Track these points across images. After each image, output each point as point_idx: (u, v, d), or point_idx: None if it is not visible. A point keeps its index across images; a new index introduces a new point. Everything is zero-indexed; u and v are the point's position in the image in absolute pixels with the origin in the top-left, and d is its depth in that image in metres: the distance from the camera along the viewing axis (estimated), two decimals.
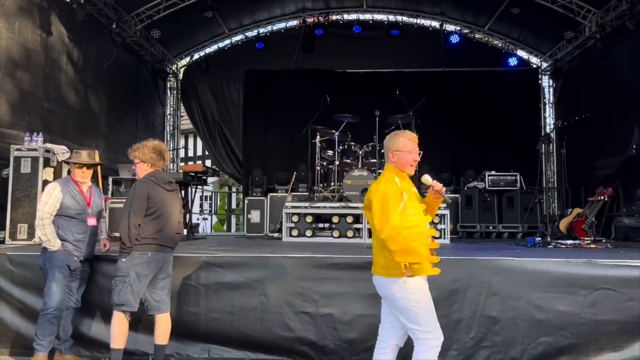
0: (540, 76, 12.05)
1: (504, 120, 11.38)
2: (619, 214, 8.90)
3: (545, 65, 11.90)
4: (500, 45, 12.09)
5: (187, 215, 8.26)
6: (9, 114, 6.63)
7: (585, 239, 8.33)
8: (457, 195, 10.43)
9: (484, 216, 9.68)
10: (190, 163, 16.24)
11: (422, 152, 3.56)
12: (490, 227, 9.70)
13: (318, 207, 7.97)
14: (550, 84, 11.89)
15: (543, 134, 11.53)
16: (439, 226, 7.61)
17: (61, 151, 6.32)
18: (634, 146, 8.37)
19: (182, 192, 8.27)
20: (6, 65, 6.56)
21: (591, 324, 4.05)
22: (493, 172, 9.80)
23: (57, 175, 6.28)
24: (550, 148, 10.75)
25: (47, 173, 6.09)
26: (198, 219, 18.43)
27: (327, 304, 4.27)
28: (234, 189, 17.58)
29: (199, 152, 21.39)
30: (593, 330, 4.03)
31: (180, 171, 8.02)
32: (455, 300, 4.20)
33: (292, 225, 7.85)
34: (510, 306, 4.15)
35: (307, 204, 8.05)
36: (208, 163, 22.08)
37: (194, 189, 8.73)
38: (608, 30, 8.89)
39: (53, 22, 7.65)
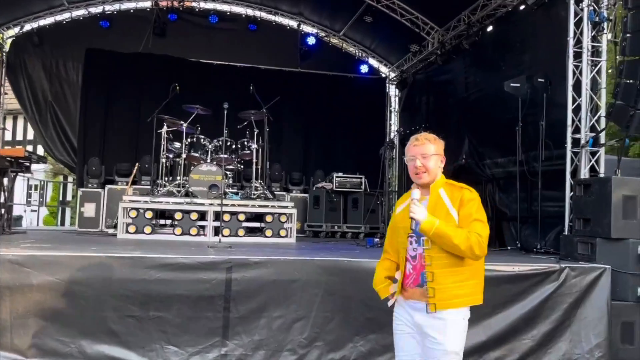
0: (387, 85, 12.72)
1: (354, 124, 11.84)
2: None
3: (392, 75, 12.59)
4: (353, 51, 12.51)
5: (3, 207, 7.19)
6: None
7: None
8: (305, 195, 10.57)
9: (330, 216, 9.92)
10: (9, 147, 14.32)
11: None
12: (336, 227, 9.97)
13: (160, 202, 7.45)
14: (397, 93, 12.60)
15: (387, 140, 12.17)
16: (285, 225, 7.58)
17: None
18: (464, 156, 9.16)
19: None
20: None
21: None
22: (340, 174, 10.09)
23: None
24: (393, 154, 11.38)
25: None
26: (25, 211, 16.46)
27: (157, 307, 3.90)
28: (70, 179, 15.94)
29: (29, 136, 19.19)
30: None
31: None
32: (293, 302, 4.11)
33: (130, 221, 7.24)
34: (344, 305, 4.18)
35: (147, 199, 7.49)
36: (40, 150, 20.00)
37: (13, 176, 7.65)
38: (447, 48, 9.63)
39: None
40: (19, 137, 20.53)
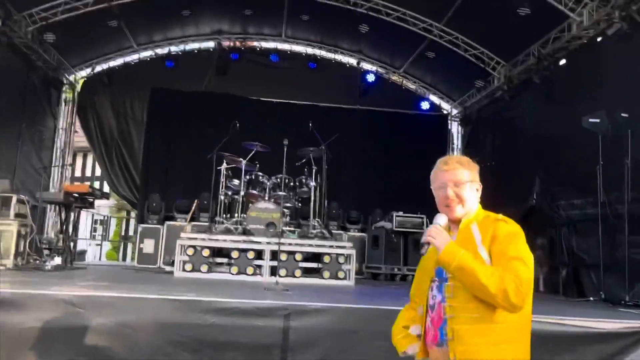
0: (449, 122, 12.34)
1: (414, 162, 11.39)
2: None
3: (455, 111, 12.21)
4: (413, 88, 12.27)
5: (67, 241, 7.29)
6: None
7: None
8: (364, 235, 10.23)
9: (390, 257, 9.48)
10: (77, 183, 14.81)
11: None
12: (396, 269, 9.51)
13: (217, 240, 7.33)
14: (459, 130, 12.19)
15: None
16: (343, 267, 7.25)
17: None
18: (534, 196, 8.58)
19: (63, 214, 7.34)
20: None
21: None
22: (400, 213, 9.69)
23: None
24: None
25: None
26: (90, 244, 16.94)
27: (211, 354, 3.66)
28: (132, 214, 16.32)
29: (97, 173, 19.90)
30: None
31: (62, 191, 7.07)
32: (354, 353, 3.76)
33: (187, 258, 7.12)
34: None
35: (204, 236, 7.39)
36: (106, 187, 20.70)
37: (77, 211, 7.79)
38: (515, 83, 9.20)
39: None
40: (88, 173, 21.37)
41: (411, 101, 12.12)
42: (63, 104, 11.52)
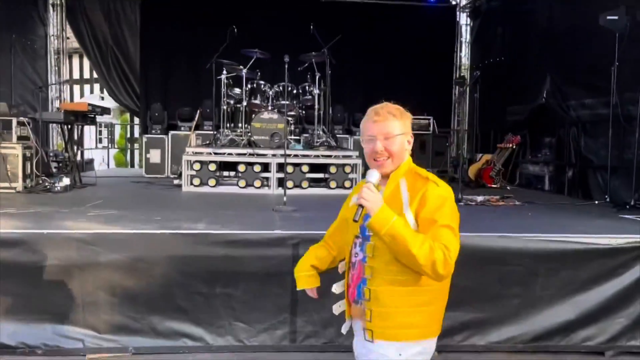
0: (458, 13, 11.71)
1: (420, 59, 11.03)
2: (525, 161, 9.06)
3: (464, 2, 11.53)
4: None
5: (73, 159, 7.32)
6: None
7: (493, 186, 8.48)
8: None
9: None
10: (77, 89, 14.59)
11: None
12: None
13: (222, 154, 7.31)
14: (468, 23, 11.61)
15: (458, 75, 11.39)
16: (350, 176, 7.29)
17: None
18: (544, 95, 8.36)
19: (66, 132, 7.29)
20: None
21: (495, 299, 3.93)
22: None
23: None
24: (464, 90, 10.67)
25: None
26: (96, 147, 17.08)
27: (224, 284, 3.79)
28: (136, 120, 16.25)
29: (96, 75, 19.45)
30: (497, 306, 3.92)
31: (61, 111, 6.95)
32: None
33: (194, 173, 7.18)
34: None
35: (210, 150, 7.37)
36: (97, 88, 20.36)
37: (80, 129, 7.73)
38: None
39: None
40: (86, 75, 20.91)
41: None
42: (51, 9, 10.94)
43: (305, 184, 7.18)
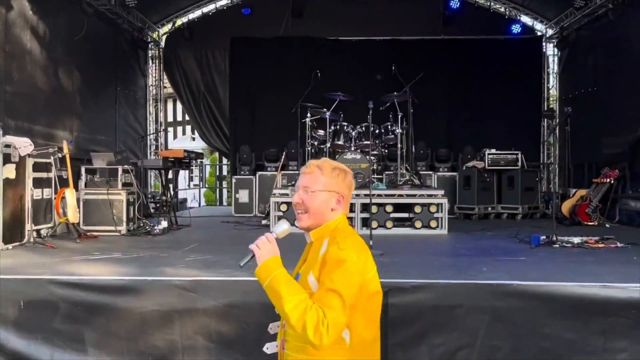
0: (544, 44, 11.37)
1: (505, 92, 10.79)
2: (625, 196, 8.49)
3: (550, 32, 11.21)
4: (502, 10, 11.34)
5: (169, 203, 7.80)
6: None
7: (589, 223, 8.00)
8: (453, 174, 10.02)
9: (482, 197, 9.25)
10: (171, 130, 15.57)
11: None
12: (489, 208, 9.30)
13: None
14: (555, 53, 11.23)
15: (546, 107, 10.99)
16: (436, 215, 7.19)
17: (23, 144, 5.76)
18: None
19: (163, 177, 7.81)
20: None
21: (598, 353, 3.67)
22: (493, 151, 9.31)
23: (19, 171, 5.75)
24: (554, 123, 10.27)
25: (8, 170, 5.55)
26: (188, 186, 18.03)
27: None
28: (224, 160, 17.10)
29: (185, 117, 20.71)
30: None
31: (160, 157, 7.49)
32: (455, 328, 3.79)
33: (281, 214, 7.38)
34: (514, 333, 3.76)
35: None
36: (188, 129, 21.61)
37: (175, 174, 8.26)
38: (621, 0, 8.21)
39: None
40: (179, 118, 22.34)
41: (501, 25, 11.23)
42: (150, 61, 11.91)
43: (389, 224, 7.17)
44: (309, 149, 8.54)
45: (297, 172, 9.58)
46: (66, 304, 3.94)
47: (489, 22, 11.23)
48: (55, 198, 6.27)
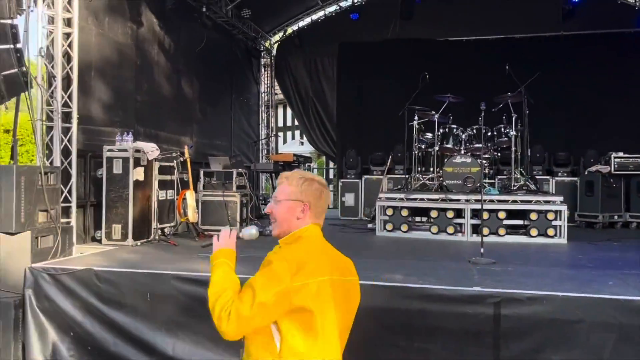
0: None
1: (634, 91, 9.84)
2: None
3: None
4: (632, 0, 10.36)
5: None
6: (103, 112, 6.70)
7: None
8: (574, 179, 9.33)
9: (607, 204, 8.49)
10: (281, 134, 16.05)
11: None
12: (616, 217, 8.53)
13: (414, 200, 7.38)
14: None
15: None
16: (553, 223, 6.73)
17: (151, 149, 6.29)
18: None
19: (275, 179, 8.11)
20: (98, 63, 6.58)
21: None
22: (621, 154, 8.52)
23: (147, 174, 6.27)
24: None
25: (137, 173, 6.09)
26: None
27: (422, 339, 3.78)
28: (331, 164, 17.38)
29: (296, 122, 21.34)
30: None
31: (271, 161, 7.79)
32: (576, 345, 3.53)
33: (387, 218, 7.36)
34: None
35: (402, 195, 7.49)
36: (297, 134, 22.18)
37: None
38: None
39: (143, 13, 7.58)
40: (289, 123, 23.06)
41: (629, 16, 10.25)
42: (262, 69, 12.44)
43: (502, 231, 6.85)
44: (416, 152, 8.41)
45: (403, 176, 9.51)
46: (186, 298, 4.24)
47: (616, 15, 10.29)
48: (177, 199, 6.76)
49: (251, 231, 2.26)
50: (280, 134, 21.70)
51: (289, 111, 22.27)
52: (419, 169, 8.50)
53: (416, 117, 8.29)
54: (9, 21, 4.76)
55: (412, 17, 10.94)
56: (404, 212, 7.29)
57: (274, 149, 13.11)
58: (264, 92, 12.52)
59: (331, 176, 20.65)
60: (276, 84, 12.80)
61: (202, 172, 7.48)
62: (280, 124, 22.45)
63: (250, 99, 11.85)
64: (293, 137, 23.83)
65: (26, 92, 4.88)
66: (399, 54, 10.87)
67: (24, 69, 4.82)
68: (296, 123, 22.30)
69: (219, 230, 2.29)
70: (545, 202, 6.92)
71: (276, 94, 12.90)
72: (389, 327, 3.82)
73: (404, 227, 7.24)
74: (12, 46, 4.75)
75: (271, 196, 2.23)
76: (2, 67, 4.66)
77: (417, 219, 7.59)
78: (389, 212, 7.35)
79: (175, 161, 6.79)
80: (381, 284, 3.96)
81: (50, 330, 4.46)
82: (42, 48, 5.58)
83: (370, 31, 11.20)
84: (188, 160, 6.74)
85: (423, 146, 8.44)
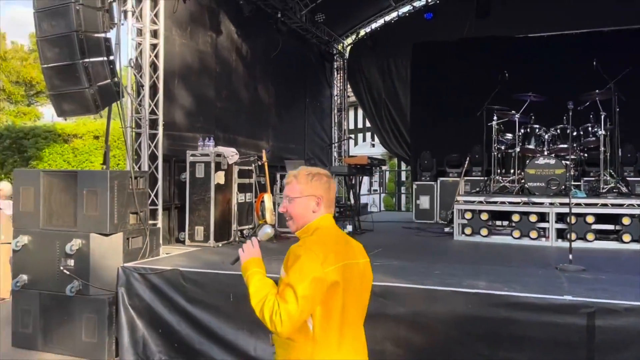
0: None
1: None
2: None
3: None
4: None
5: (354, 207, 8.08)
6: (186, 118, 6.99)
7: None
8: None
9: None
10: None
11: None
12: None
13: (495, 203, 7.13)
14: None
15: None
16: None
17: (231, 154, 6.49)
18: None
19: (348, 182, 8.11)
20: (180, 71, 6.88)
21: None
22: None
23: (227, 177, 6.47)
24: None
25: (219, 177, 6.30)
26: (369, 194, 18.50)
27: (508, 348, 3.64)
28: (403, 166, 17.18)
29: (368, 123, 21.27)
30: None
31: (345, 164, 7.81)
32: None
33: (465, 222, 7.16)
34: None
35: (481, 199, 7.26)
36: (368, 136, 22.08)
37: (360, 180, 8.51)
38: None
39: (222, 22, 7.84)
40: (360, 125, 23.05)
41: None
42: (335, 72, 12.51)
43: (590, 236, 6.46)
44: (495, 153, 8.12)
45: (481, 178, 9.23)
46: None
47: None
48: (255, 202, 6.93)
49: (266, 230, 2.39)
50: (351, 136, 21.78)
51: (359, 113, 22.36)
52: (498, 170, 8.21)
53: (495, 117, 8.02)
54: (102, 35, 5.09)
55: (488, 15, 10.62)
56: (484, 216, 7.06)
57: (346, 151, 13.14)
58: (336, 95, 12.58)
59: (403, 178, 20.49)
60: (348, 86, 12.82)
61: (278, 176, 7.62)
62: (352, 126, 22.53)
63: (323, 102, 11.95)
64: (364, 139, 23.79)
65: (118, 101, 5.18)
66: (474, 53, 10.56)
67: (116, 79, 5.13)
68: (367, 125, 22.33)
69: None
70: (639, 206, 6.46)
71: (348, 96, 12.91)
72: (472, 334, 3.71)
73: (484, 231, 7.01)
74: (105, 58, 5.07)
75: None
76: (97, 78, 4.99)
77: (498, 222, 7.32)
78: (468, 215, 7.15)
79: (253, 165, 6.96)
80: (464, 290, 3.85)
81: (141, 326, 4.70)
82: (131, 59, 5.91)
83: (444, 30, 10.94)
84: (266, 164, 6.89)
85: (503, 147, 8.14)
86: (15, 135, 13.76)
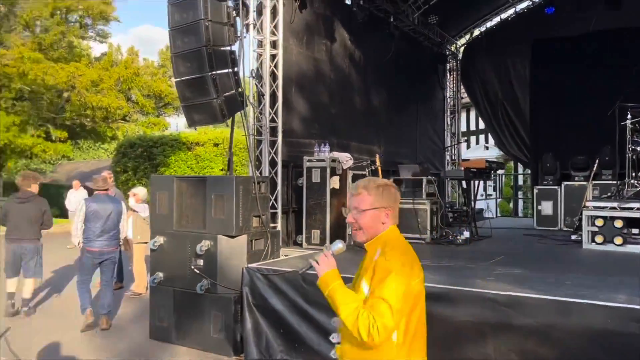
0: None
1: None
2: None
3: None
4: None
5: (471, 213, 7.83)
6: (302, 125, 7.21)
7: None
8: None
9: None
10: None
11: None
12: None
13: (631, 209, 6.52)
14: None
15: None
16: None
17: (345, 159, 6.58)
18: None
19: (464, 187, 7.87)
20: (298, 79, 7.11)
21: None
22: None
23: (342, 182, 6.57)
24: None
25: (334, 182, 6.42)
26: (484, 199, 17.78)
27: None
28: (520, 169, 16.30)
29: (481, 125, 20.48)
30: None
31: (461, 168, 7.58)
32: None
33: (596, 229, 6.62)
34: None
35: (614, 204, 6.67)
36: (481, 139, 21.17)
37: (476, 184, 8.22)
38: None
39: (336, 29, 8.00)
40: (472, 127, 22.26)
41: None
42: (448, 74, 12.22)
43: None
44: (630, 155, 7.44)
45: (612, 182, 8.51)
46: None
47: None
48: None
49: (338, 245, 2.36)
50: (464, 138, 21.09)
51: (472, 115, 21.61)
52: (633, 174, 7.50)
53: (629, 116, 7.34)
54: (228, 48, 5.42)
55: (620, 6, 9.76)
56: (618, 223, 6.48)
57: (458, 154, 12.76)
58: (449, 97, 12.28)
59: (520, 182, 19.44)
60: (462, 88, 12.45)
61: (391, 180, 7.58)
62: (464, 128, 21.82)
63: (435, 105, 11.72)
64: (477, 142, 22.91)
65: (242, 110, 5.48)
66: (603, 47, 9.75)
67: (240, 89, 5.44)
68: (480, 127, 21.54)
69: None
70: None
71: (461, 98, 12.54)
72: (613, 350, 3.42)
73: (618, 240, 6.43)
74: (231, 70, 5.39)
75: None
76: (223, 89, 5.32)
77: (634, 230, 6.68)
78: (599, 222, 6.60)
79: (367, 169, 7.00)
80: (602, 303, 3.55)
81: (264, 325, 4.92)
82: (253, 70, 6.22)
83: (567, 25, 10.24)
84: (379, 168, 6.90)
85: (638, 148, 7.44)
86: (146, 144, 15.09)
